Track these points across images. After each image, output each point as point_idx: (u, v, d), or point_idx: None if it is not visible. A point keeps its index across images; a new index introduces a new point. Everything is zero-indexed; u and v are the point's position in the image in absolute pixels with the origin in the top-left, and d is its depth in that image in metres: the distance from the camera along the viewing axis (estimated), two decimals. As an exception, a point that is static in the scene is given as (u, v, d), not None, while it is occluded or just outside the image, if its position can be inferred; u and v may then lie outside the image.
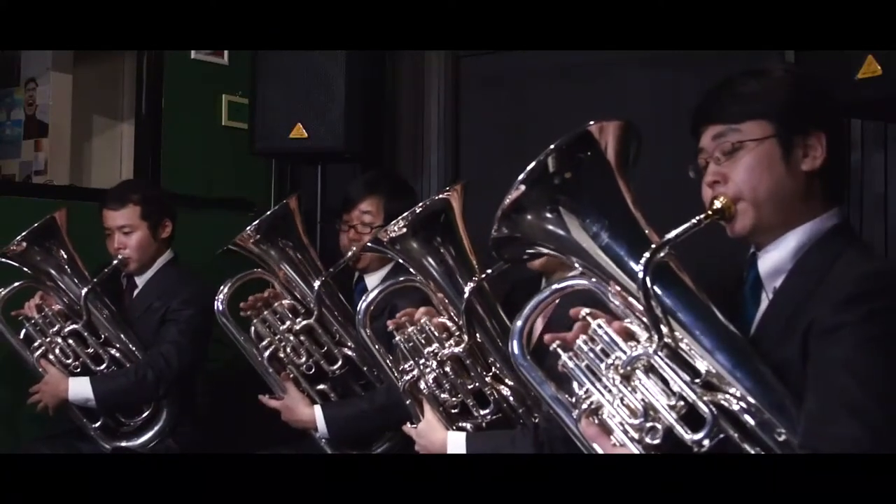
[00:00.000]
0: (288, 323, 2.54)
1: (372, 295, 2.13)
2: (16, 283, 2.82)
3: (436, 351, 2.00)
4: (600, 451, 1.41)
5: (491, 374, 2.01)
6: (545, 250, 1.53)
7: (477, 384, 2.00)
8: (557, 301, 2.08)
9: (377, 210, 2.67)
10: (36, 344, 2.77)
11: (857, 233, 1.54)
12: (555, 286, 1.56)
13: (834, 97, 1.57)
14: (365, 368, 2.58)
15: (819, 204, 1.47)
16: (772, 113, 1.45)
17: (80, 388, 2.72)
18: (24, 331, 2.79)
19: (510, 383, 2.01)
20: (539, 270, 2.12)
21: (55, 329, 2.77)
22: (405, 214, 2.05)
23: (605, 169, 1.46)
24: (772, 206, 1.45)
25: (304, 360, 2.53)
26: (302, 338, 2.53)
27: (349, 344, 2.57)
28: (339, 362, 2.54)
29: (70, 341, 2.77)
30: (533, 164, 1.43)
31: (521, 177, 1.44)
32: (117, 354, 2.79)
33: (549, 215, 1.47)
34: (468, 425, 2.00)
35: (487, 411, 2.00)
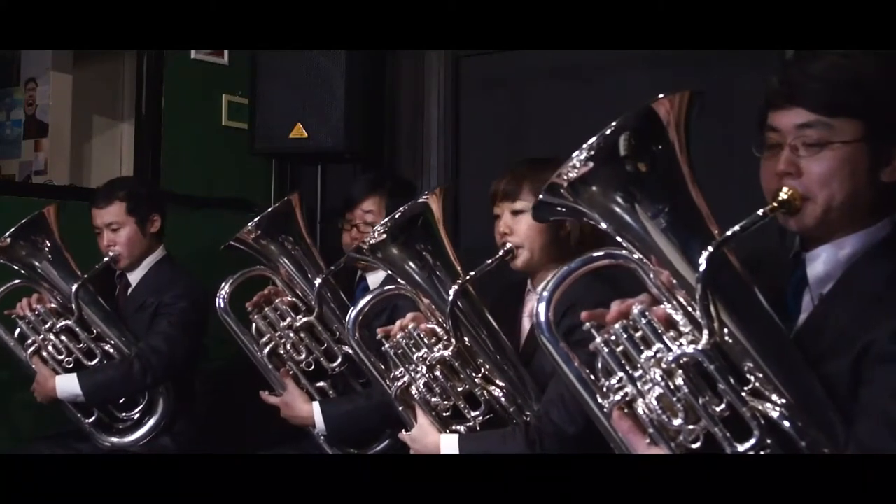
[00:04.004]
0: (288, 320, 2.53)
1: (360, 304, 2.13)
2: (11, 283, 2.82)
3: (425, 356, 2.00)
4: (625, 442, 1.35)
5: (480, 375, 2.01)
6: (594, 221, 1.41)
7: (467, 386, 2.00)
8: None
9: (379, 209, 2.68)
10: (29, 342, 2.77)
11: None
12: (591, 254, 1.44)
13: None
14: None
15: (877, 212, 1.39)
16: (867, 114, 1.34)
17: (67, 385, 2.72)
18: (17, 330, 2.79)
19: (500, 384, 2.01)
20: (523, 270, 2.11)
21: (47, 326, 2.77)
22: (384, 220, 2.04)
23: (671, 148, 1.34)
24: (839, 213, 1.36)
25: (303, 356, 2.53)
26: (302, 335, 2.53)
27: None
28: (339, 360, 2.53)
29: (62, 338, 2.77)
30: (597, 138, 1.32)
31: (583, 154, 1.33)
32: (110, 350, 2.79)
33: (614, 195, 1.35)
34: (462, 428, 2.00)
35: (479, 412, 2.00)
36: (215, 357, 3.06)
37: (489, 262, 2.02)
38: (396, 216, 2.03)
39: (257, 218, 2.55)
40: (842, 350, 1.31)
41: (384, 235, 2.02)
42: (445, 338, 2.00)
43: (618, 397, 1.35)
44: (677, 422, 1.29)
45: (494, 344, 2.03)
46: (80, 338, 2.78)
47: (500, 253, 2.05)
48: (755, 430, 1.26)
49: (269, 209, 2.61)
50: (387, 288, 2.16)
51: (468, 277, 1.96)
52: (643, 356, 1.34)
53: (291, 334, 2.53)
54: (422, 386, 2.00)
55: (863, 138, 1.34)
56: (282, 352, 2.53)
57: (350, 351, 2.53)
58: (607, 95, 2.99)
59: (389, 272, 2.11)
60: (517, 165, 2.12)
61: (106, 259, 2.83)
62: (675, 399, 1.30)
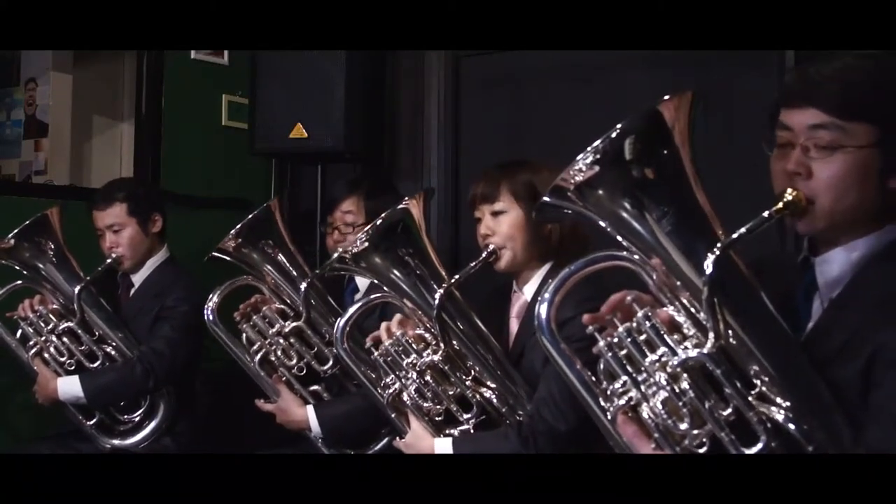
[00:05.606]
0: (277, 326, 2.53)
1: (348, 314, 2.13)
2: (13, 284, 2.81)
3: (414, 361, 2.00)
4: (630, 446, 1.35)
5: (471, 377, 2.01)
6: (598, 223, 1.39)
7: (458, 389, 2.00)
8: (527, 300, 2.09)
9: (358, 209, 2.68)
10: (31, 343, 2.77)
11: None
12: (594, 255, 1.43)
13: None
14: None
15: (883, 217, 1.37)
16: (881, 119, 1.32)
17: (69, 387, 2.72)
18: (19, 331, 2.79)
19: (491, 385, 2.01)
20: (508, 271, 2.11)
21: (49, 327, 2.76)
22: (366, 228, 2.04)
23: (676, 150, 1.32)
24: (845, 217, 1.35)
25: (294, 361, 2.53)
26: (292, 340, 2.53)
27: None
28: (331, 362, 2.52)
29: (64, 339, 2.77)
30: (603, 141, 1.29)
31: (589, 156, 1.31)
32: (112, 352, 2.79)
33: (621, 199, 1.34)
34: (455, 431, 2.00)
35: (471, 415, 2.00)
36: (215, 357, 3.05)
37: (472, 264, 2.02)
38: (377, 223, 2.02)
39: (237, 226, 2.55)
40: (852, 354, 1.30)
41: (366, 244, 2.01)
42: (434, 342, 2.00)
43: (622, 401, 1.34)
44: (683, 426, 1.29)
45: (483, 346, 2.03)
46: (81, 340, 2.78)
47: (484, 255, 2.05)
48: (762, 434, 1.25)
49: (249, 217, 2.59)
50: (373, 296, 2.17)
51: (453, 281, 1.97)
52: (647, 360, 1.33)
53: (281, 340, 2.52)
54: (413, 392, 2.00)
55: (875, 144, 1.32)
56: (273, 358, 2.53)
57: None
58: (607, 95, 2.99)
59: (374, 281, 2.11)
60: (491, 168, 2.12)
61: (109, 261, 2.83)
62: (680, 403, 1.29)
